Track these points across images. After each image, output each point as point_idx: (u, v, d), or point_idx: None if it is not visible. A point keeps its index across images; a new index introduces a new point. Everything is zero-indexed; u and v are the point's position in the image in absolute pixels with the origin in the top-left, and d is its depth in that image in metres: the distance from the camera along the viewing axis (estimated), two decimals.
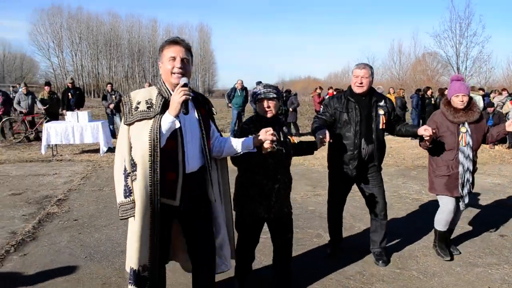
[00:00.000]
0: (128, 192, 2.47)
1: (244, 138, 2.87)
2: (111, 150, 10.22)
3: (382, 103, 3.98)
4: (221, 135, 2.93)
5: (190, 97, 2.40)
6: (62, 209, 5.85)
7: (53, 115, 13.22)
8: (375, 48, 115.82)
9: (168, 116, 2.40)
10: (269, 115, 3.16)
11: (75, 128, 10.21)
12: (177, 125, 2.43)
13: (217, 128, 2.89)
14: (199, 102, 2.71)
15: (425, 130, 3.76)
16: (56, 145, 10.57)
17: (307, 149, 3.55)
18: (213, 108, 2.85)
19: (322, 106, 4.37)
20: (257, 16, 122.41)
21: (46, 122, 11.44)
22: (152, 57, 73.12)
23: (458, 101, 4.00)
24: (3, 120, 13.29)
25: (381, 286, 3.71)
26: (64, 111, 12.68)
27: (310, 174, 8.37)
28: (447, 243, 4.40)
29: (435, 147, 4.06)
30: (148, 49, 72.90)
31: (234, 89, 14.40)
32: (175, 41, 2.55)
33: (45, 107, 13.09)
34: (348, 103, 3.94)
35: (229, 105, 14.85)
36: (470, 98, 4.09)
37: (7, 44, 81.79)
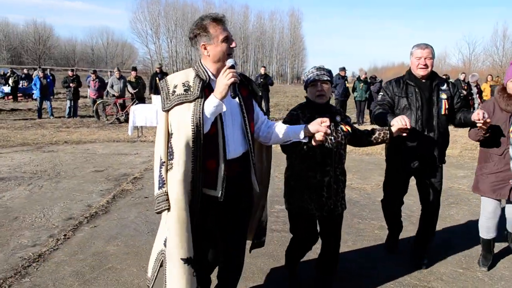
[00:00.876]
0: (162, 183, 2.28)
1: (295, 125, 2.64)
2: None
3: (444, 87, 3.61)
4: (268, 118, 2.73)
5: (238, 79, 2.23)
6: (136, 187, 6.25)
7: (140, 98, 14.09)
8: (476, 32, 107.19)
9: (213, 99, 2.22)
10: (322, 100, 2.92)
11: (159, 111, 10.77)
12: (224, 108, 2.25)
13: (263, 111, 2.70)
14: (241, 83, 2.48)
15: (477, 115, 3.22)
16: (141, 127, 11.26)
17: (380, 136, 3.11)
18: (256, 88, 2.63)
19: (381, 92, 3.93)
20: (350, 1, 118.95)
21: (134, 105, 12.22)
22: (243, 43, 74.55)
23: None
24: (98, 102, 14.48)
25: (439, 285, 3.48)
26: (151, 94, 13.46)
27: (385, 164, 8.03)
28: (492, 252, 3.85)
29: (490, 138, 3.47)
30: (239, 35, 74.41)
31: None
32: (222, 20, 2.33)
33: (134, 91, 13.98)
34: (408, 87, 3.60)
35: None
36: None
37: (110, 32, 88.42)
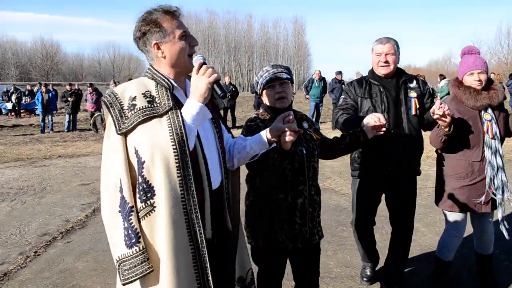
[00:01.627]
0: (136, 237, 1.62)
1: (255, 135, 2.03)
2: None
3: (413, 84, 3.16)
4: (232, 136, 2.14)
5: (220, 77, 1.76)
6: None
7: None
8: (481, 32, 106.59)
9: (195, 103, 1.70)
10: (283, 103, 2.37)
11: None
12: (209, 114, 1.78)
13: (226, 127, 2.11)
14: None
15: (434, 107, 2.72)
16: None
17: (353, 142, 2.57)
18: (219, 101, 2.17)
19: (342, 95, 3.44)
20: (354, 5, 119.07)
21: None
22: (248, 52, 74.79)
23: (474, 80, 2.98)
24: (95, 115, 14.47)
25: None
26: None
27: None
28: (447, 277, 3.34)
29: (454, 139, 2.93)
30: (244, 44, 74.74)
31: (311, 80, 14.08)
32: (176, 13, 1.81)
33: None
34: (371, 87, 3.14)
35: (307, 96, 14.57)
36: (489, 77, 3.09)
37: (116, 46, 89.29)
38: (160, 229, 1.62)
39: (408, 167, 3.17)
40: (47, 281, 3.63)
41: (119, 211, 1.65)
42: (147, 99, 1.72)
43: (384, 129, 2.54)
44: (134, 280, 1.63)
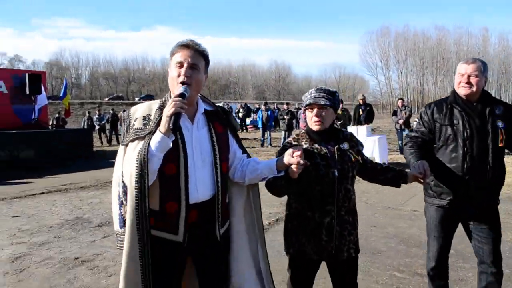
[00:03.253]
0: (123, 222, 2.10)
1: (269, 160, 2.29)
2: None
3: (499, 112, 2.84)
4: (248, 156, 2.37)
5: (182, 110, 1.94)
6: None
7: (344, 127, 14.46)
8: None
9: (157, 133, 1.98)
10: (318, 127, 2.45)
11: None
12: (169, 144, 1.98)
13: (242, 148, 2.35)
14: (216, 116, 2.23)
15: None
16: None
17: (392, 179, 2.66)
18: (235, 123, 2.36)
19: (416, 119, 3.16)
20: None
21: None
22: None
23: None
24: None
25: None
26: (353, 126, 13.72)
27: None
28: None
29: None
30: None
31: None
32: (184, 44, 2.09)
33: (339, 123, 14.46)
34: (452, 112, 2.89)
35: None
36: None
37: (342, 67, 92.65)
38: (127, 223, 2.02)
39: (489, 198, 2.89)
40: None
41: (117, 200, 2.15)
42: (144, 121, 2.09)
43: (424, 181, 2.60)
44: (121, 248, 2.08)
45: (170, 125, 1.92)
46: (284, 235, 2.61)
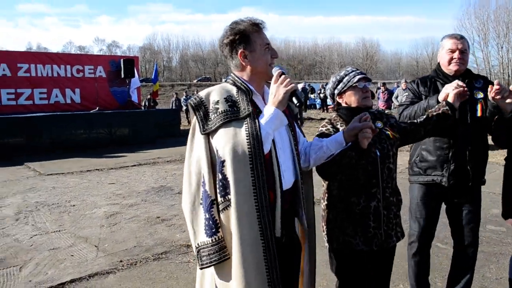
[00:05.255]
0: (215, 227, 1.79)
1: (333, 135, 2.18)
2: None
3: (479, 85, 2.84)
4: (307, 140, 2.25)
5: (297, 86, 1.98)
6: None
7: None
8: None
9: (272, 109, 1.85)
10: (369, 102, 2.36)
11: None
12: (286, 121, 1.91)
13: (301, 131, 2.23)
14: None
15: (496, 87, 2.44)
16: None
17: (439, 117, 2.45)
18: (292, 106, 2.10)
19: (405, 92, 3.04)
20: None
21: None
22: None
23: None
24: None
25: None
26: None
27: None
28: None
29: None
30: None
31: None
32: (262, 26, 1.99)
33: None
34: (436, 86, 2.90)
35: None
36: None
37: (435, 43, 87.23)
38: (233, 222, 1.74)
39: (474, 175, 2.87)
40: None
41: (201, 203, 1.82)
42: (229, 103, 1.86)
43: (466, 92, 2.46)
44: (211, 265, 1.80)
45: (295, 102, 1.87)
46: (326, 228, 2.41)
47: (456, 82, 2.46)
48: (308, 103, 26.54)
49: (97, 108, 14.35)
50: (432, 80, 2.97)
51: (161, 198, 6.61)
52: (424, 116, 2.51)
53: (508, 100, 2.48)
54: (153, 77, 20.48)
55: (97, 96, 15.27)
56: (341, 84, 2.37)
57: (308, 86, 30.45)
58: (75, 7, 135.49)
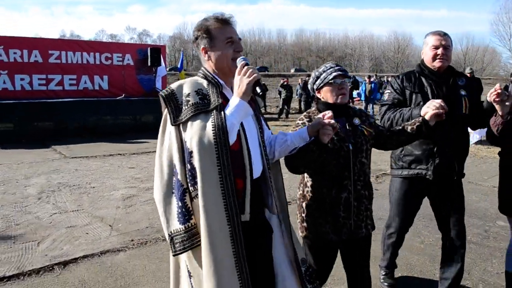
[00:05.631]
0: (188, 214, 1.85)
1: (297, 130, 2.26)
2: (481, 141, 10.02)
3: (462, 83, 2.94)
4: (272, 133, 2.31)
5: (260, 76, 1.90)
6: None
7: None
8: None
9: (237, 100, 1.89)
10: (344, 99, 2.42)
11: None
12: (250, 111, 1.96)
13: (266, 123, 2.25)
14: None
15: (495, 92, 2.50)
16: None
17: (414, 132, 2.49)
18: (259, 99, 2.25)
19: (386, 90, 3.12)
20: None
21: None
22: None
23: None
24: None
25: None
26: None
27: None
28: None
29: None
30: None
31: None
32: (227, 20, 2.02)
33: None
34: (421, 81, 2.97)
35: None
36: None
37: (470, 37, 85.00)
38: (201, 210, 1.80)
39: (457, 169, 2.98)
40: None
41: (173, 193, 1.88)
42: (199, 96, 1.92)
43: (443, 115, 2.46)
44: (184, 251, 1.86)
45: (259, 90, 1.89)
46: (298, 219, 2.53)
47: (440, 102, 2.45)
48: None
49: (123, 95, 14.69)
50: (417, 76, 3.01)
51: None
52: (400, 127, 2.58)
53: (507, 103, 2.55)
54: (179, 66, 20.76)
55: (124, 84, 15.59)
56: (318, 80, 2.47)
57: None
58: None
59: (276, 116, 18.27)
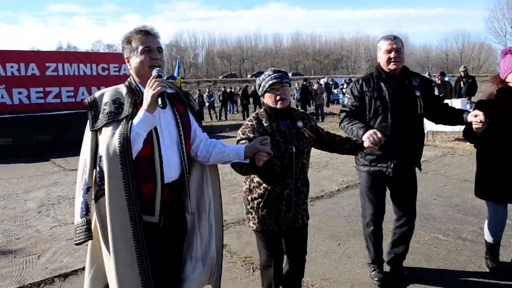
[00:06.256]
0: (86, 210, 2.06)
1: (237, 145, 2.47)
2: None
3: (416, 83, 3.22)
4: (210, 137, 2.48)
5: (166, 89, 2.03)
6: None
7: None
8: None
9: (142, 112, 2.02)
10: (284, 104, 2.68)
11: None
12: (155, 122, 2.07)
13: (202, 127, 2.44)
14: (177, 98, 2.32)
15: (475, 116, 2.85)
16: (434, 132, 11.37)
17: (350, 148, 2.92)
18: (194, 103, 2.42)
19: (346, 95, 3.31)
20: None
21: None
22: None
23: None
24: None
25: None
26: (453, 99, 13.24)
27: None
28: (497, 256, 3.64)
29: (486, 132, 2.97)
30: None
31: None
32: (145, 31, 2.18)
33: (441, 95, 14.04)
34: (380, 86, 3.20)
35: None
36: None
37: (466, 35, 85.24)
38: (107, 209, 1.98)
39: (412, 163, 3.34)
40: None
41: (82, 189, 2.09)
42: (115, 105, 2.10)
43: (378, 147, 2.83)
44: (81, 242, 2.07)
45: (160, 103, 1.99)
46: (244, 210, 2.83)
47: (380, 137, 2.80)
48: (331, 98, 26.34)
49: None
50: (375, 81, 3.25)
51: None
52: (341, 139, 2.92)
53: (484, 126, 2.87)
54: (175, 74, 20.83)
55: None
56: (260, 87, 2.76)
57: (332, 81, 30.31)
58: (103, 6, 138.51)
59: None
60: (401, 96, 3.18)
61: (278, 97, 2.67)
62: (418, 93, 3.20)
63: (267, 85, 2.68)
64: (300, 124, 2.75)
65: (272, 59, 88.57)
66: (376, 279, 3.50)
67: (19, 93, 13.46)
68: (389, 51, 3.13)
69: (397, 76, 3.20)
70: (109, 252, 2.00)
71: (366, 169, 3.37)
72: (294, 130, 2.70)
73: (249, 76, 64.72)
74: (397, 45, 3.11)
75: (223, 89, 24.26)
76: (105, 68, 16.03)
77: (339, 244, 4.37)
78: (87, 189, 2.08)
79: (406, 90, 3.20)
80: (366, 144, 2.83)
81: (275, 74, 2.68)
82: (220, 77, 61.28)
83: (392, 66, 3.14)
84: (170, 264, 2.29)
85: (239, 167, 2.47)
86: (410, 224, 3.44)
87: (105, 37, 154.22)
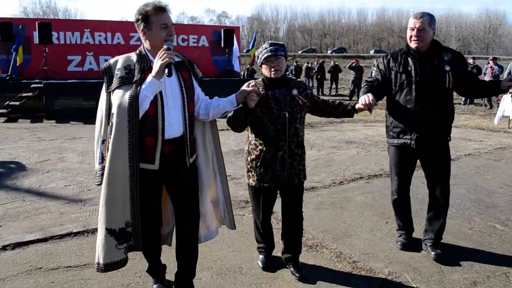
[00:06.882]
0: (101, 158, 2.49)
1: (228, 97, 2.76)
2: None
3: (448, 58, 3.25)
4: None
5: (174, 61, 2.39)
6: None
7: None
8: None
9: (150, 78, 2.38)
10: (277, 74, 2.92)
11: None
12: (161, 87, 2.42)
13: (204, 92, 2.79)
14: (183, 65, 2.65)
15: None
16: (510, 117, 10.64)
17: (343, 111, 3.15)
18: (197, 71, 2.76)
19: (373, 68, 3.08)
20: None
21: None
22: None
23: None
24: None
25: None
26: None
27: None
28: None
29: None
30: None
31: None
32: (163, 8, 2.47)
33: None
34: (406, 61, 3.31)
35: None
36: None
37: None
38: (113, 155, 2.37)
39: (440, 136, 3.35)
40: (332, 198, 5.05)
41: (98, 141, 2.53)
42: (126, 70, 2.45)
43: (370, 109, 2.99)
44: (100, 184, 2.45)
45: (166, 72, 2.36)
46: (245, 169, 3.15)
47: (370, 100, 2.98)
48: None
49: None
50: (403, 56, 3.36)
51: (237, 159, 7.14)
52: (336, 103, 3.19)
53: None
54: (250, 46, 21.06)
55: (199, 65, 16.18)
56: (258, 59, 3.02)
57: None
58: None
59: (348, 98, 17.96)
60: (428, 70, 3.25)
61: (272, 69, 2.92)
62: (447, 68, 3.24)
63: (263, 57, 2.93)
64: (295, 92, 3.01)
65: (355, 35, 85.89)
66: (399, 243, 3.70)
67: (105, 60, 14.40)
68: (412, 29, 3.25)
69: (425, 52, 3.29)
70: (105, 190, 2.38)
71: (393, 142, 3.49)
72: (289, 97, 2.97)
73: (329, 52, 63.41)
74: (419, 24, 3.20)
75: (295, 64, 24.08)
76: (185, 39, 16.66)
77: (386, 222, 4.33)
78: (102, 142, 2.50)
79: (434, 64, 3.26)
80: (357, 105, 3.08)
81: (271, 47, 2.91)
82: (300, 51, 60.68)
83: (413, 44, 3.28)
84: (159, 202, 2.69)
85: (234, 118, 2.84)
86: (442, 202, 3.47)
87: (190, 9, 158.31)
